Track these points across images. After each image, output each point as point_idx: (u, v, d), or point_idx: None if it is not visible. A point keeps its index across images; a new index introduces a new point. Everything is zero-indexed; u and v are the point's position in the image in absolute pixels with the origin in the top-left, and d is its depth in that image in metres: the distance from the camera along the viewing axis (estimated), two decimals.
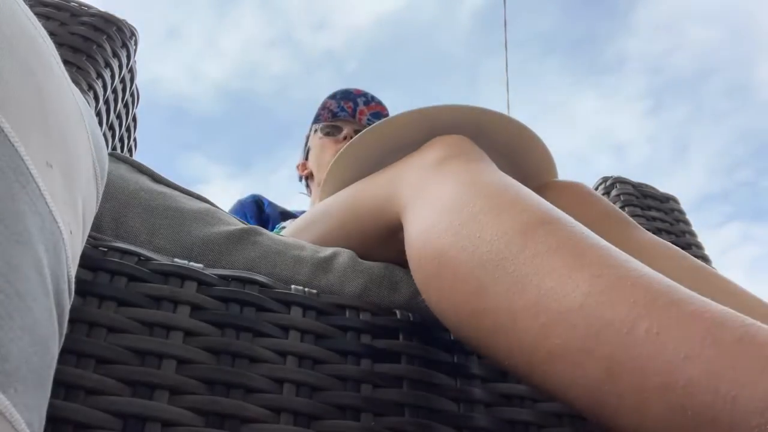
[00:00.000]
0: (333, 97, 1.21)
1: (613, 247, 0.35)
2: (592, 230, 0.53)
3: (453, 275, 0.39)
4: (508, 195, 0.41)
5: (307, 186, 1.26)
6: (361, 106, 1.21)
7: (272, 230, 1.06)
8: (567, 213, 0.55)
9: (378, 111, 1.22)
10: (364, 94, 1.20)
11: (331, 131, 1.19)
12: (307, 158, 1.25)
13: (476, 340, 0.38)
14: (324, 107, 1.22)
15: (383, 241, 0.56)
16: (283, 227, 1.02)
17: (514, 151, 0.63)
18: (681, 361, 0.26)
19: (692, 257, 0.53)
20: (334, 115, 1.22)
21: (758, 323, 0.27)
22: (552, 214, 0.38)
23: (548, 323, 0.32)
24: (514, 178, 0.64)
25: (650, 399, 0.27)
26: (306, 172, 1.24)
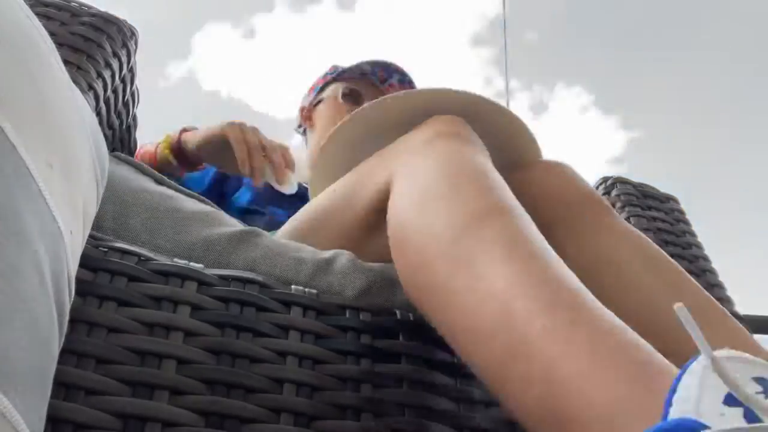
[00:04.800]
0: (370, 63, 1.08)
1: (546, 245, 0.38)
2: (569, 209, 0.57)
3: (409, 247, 0.43)
4: (474, 180, 0.44)
5: (304, 132, 1.14)
6: (393, 81, 1.09)
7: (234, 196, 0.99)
8: (549, 190, 0.58)
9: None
10: (403, 74, 1.09)
11: (353, 97, 1.06)
12: (315, 105, 1.11)
13: (428, 316, 0.42)
14: (356, 66, 1.09)
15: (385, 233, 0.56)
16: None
17: (502, 135, 0.65)
18: (560, 360, 0.29)
19: (658, 250, 0.54)
20: (363, 74, 1.08)
21: (636, 339, 0.30)
22: (504, 205, 0.41)
23: (474, 305, 0.35)
24: (502, 159, 0.66)
25: (529, 390, 0.30)
26: (309, 123, 1.11)
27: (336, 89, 1.08)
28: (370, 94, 1.06)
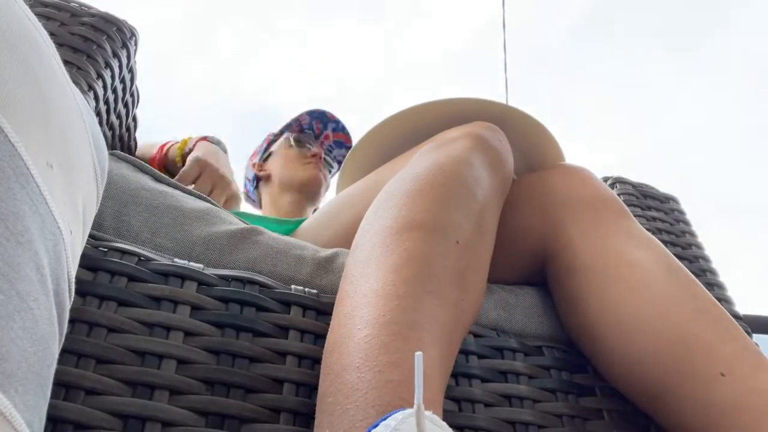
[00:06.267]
0: (310, 114, 1.24)
1: (432, 265, 0.42)
2: (584, 209, 0.58)
3: (352, 249, 0.47)
4: (430, 189, 0.48)
5: (257, 187, 1.25)
6: (328, 131, 1.25)
7: None
8: (566, 191, 0.59)
9: (341, 140, 1.25)
10: (336, 122, 1.24)
11: (304, 144, 1.21)
12: (265, 160, 1.25)
13: None
14: (297, 120, 1.24)
15: None
16: None
17: (528, 140, 0.68)
18: (359, 361, 0.34)
19: (673, 258, 0.53)
20: (301, 131, 1.24)
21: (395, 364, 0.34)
22: (422, 223, 0.44)
23: (356, 304, 0.40)
24: (528, 163, 0.68)
25: (344, 368, 0.35)
26: (264, 173, 1.24)
27: (284, 141, 1.23)
28: (309, 142, 1.21)
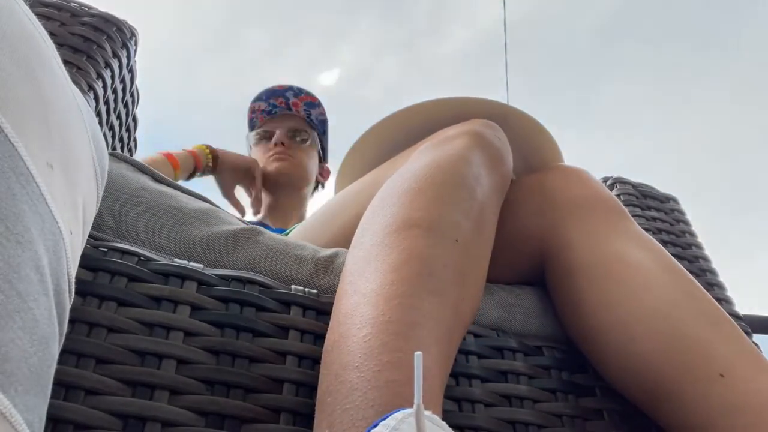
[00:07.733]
0: (259, 99, 1.21)
1: (431, 266, 0.41)
2: (583, 210, 0.58)
3: (351, 246, 0.48)
4: (428, 189, 0.47)
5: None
6: (293, 99, 1.20)
7: None
8: (565, 191, 0.60)
9: (311, 101, 1.20)
10: (290, 88, 1.20)
11: (263, 137, 1.20)
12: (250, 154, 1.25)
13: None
14: (254, 111, 1.21)
15: None
16: None
17: (527, 141, 0.68)
18: (359, 360, 0.34)
19: (672, 259, 0.53)
20: (270, 113, 1.21)
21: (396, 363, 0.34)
22: (421, 222, 0.44)
23: (356, 303, 0.40)
24: (527, 163, 0.68)
25: (343, 367, 0.35)
26: None
27: (250, 139, 1.24)
28: (283, 122, 1.19)
